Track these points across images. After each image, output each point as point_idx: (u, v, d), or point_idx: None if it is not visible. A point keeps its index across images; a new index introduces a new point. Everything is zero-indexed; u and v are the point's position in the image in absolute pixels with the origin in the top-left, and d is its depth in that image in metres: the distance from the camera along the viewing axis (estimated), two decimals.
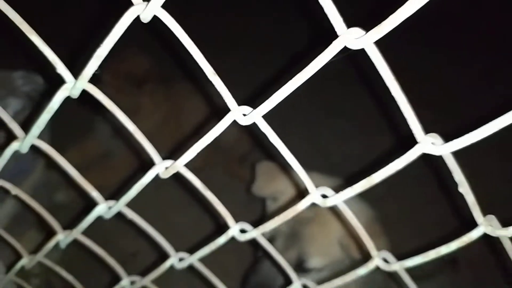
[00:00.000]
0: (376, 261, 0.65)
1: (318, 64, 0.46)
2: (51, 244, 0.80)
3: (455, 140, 0.46)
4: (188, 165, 0.64)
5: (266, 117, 0.54)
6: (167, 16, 0.48)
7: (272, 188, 1.36)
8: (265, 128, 0.55)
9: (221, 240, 0.74)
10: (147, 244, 1.42)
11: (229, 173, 2.67)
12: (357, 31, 0.43)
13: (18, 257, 0.91)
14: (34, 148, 0.69)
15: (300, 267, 1.26)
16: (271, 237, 1.33)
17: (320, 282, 0.99)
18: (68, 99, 0.60)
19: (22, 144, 0.67)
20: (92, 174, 2.10)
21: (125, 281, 0.86)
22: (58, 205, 2.19)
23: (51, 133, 1.59)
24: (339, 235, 1.20)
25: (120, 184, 2.05)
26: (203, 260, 0.80)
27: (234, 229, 0.71)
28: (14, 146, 0.67)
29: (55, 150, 0.69)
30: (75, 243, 0.80)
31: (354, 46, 0.43)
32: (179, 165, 0.62)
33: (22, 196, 0.77)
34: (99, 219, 0.74)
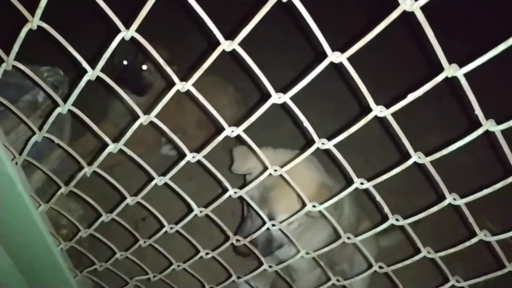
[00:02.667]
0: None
1: None
2: None
3: None
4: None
5: None
6: None
7: (246, 166, 1.65)
8: None
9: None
10: None
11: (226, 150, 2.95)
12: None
13: None
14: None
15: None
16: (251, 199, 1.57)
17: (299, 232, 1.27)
18: None
19: (63, 108, 0.88)
20: None
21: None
22: None
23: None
24: (296, 195, 1.42)
25: None
26: None
27: None
28: (58, 109, 0.88)
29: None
30: None
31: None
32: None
33: None
34: None
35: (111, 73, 2.75)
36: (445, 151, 0.75)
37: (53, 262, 1.32)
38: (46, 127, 0.94)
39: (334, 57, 0.68)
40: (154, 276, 1.35)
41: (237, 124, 0.87)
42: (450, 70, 0.65)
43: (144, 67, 2.83)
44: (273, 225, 1.05)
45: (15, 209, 1.13)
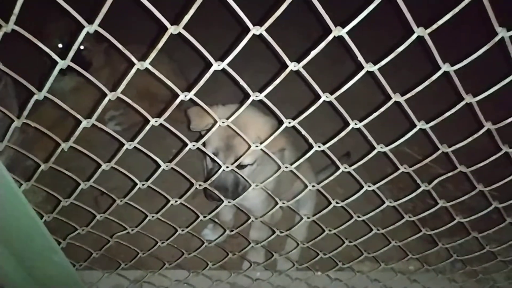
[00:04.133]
0: None
1: None
2: None
3: None
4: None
5: None
6: None
7: (203, 123, 1.85)
8: None
9: None
10: None
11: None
12: None
13: None
14: None
15: (240, 165, 1.76)
16: (215, 152, 1.80)
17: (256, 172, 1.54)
18: None
19: (40, 94, 1.05)
20: None
21: None
22: None
23: None
24: (256, 138, 1.70)
25: None
26: None
27: None
28: (36, 96, 1.05)
29: None
30: None
31: None
32: None
33: None
34: None
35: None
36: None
37: (39, 233, 1.49)
38: (25, 113, 1.10)
39: (255, 30, 0.93)
40: (132, 230, 1.58)
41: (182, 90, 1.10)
42: (336, 31, 0.93)
43: (82, 47, 2.91)
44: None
45: (1, 189, 1.28)
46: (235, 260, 1.98)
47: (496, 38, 0.93)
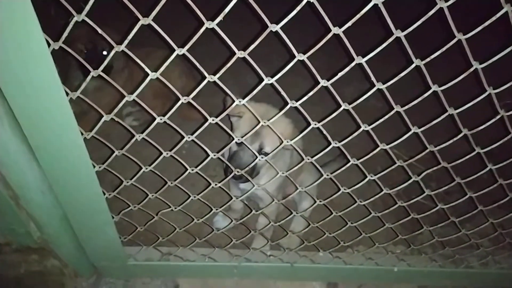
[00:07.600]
0: None
1: None
2: None
3: None
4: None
5: None
6: None
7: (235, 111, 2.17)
8: None
9: None
10: None
11: (182, 116, 3.72)
12: None
13: None
14: None
15: (261, 151, 2.11)
16: (243, 136, 2.14)
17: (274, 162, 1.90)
18: None
19: (73, 94, 1.38)
20: None
21: None
22: None
23: None
24: (279, 134, 2.00)
25: None
26: None
27: None
28: (70, 95, 1.38)
29: None
30: None
31: None
32: None
33: None
34: None
35: (78, 64, 3.19)
36: None
37: (101, 208, 1.80)
38: None
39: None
40: (175, 208, 1.91)
41: (189, 92, 1.41)
42: None
43: (105, 52, 3.22)
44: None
45: (81, 171, 1.61)
46: (247, 240, 2.34)
47: None
